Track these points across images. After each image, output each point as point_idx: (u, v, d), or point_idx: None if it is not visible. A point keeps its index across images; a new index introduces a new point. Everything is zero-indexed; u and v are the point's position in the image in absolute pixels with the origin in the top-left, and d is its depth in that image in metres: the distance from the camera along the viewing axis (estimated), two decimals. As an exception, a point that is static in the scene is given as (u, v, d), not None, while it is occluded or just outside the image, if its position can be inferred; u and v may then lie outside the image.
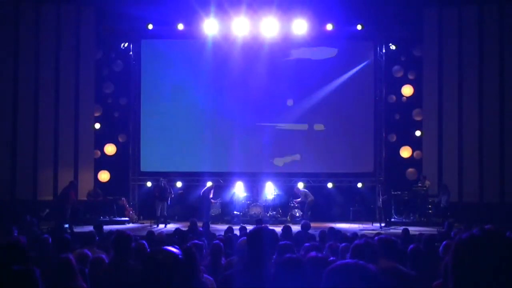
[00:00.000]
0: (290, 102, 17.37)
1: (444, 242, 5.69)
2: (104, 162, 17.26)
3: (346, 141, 17.25)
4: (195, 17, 16.21)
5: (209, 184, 16.21)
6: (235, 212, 16.45)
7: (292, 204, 16.58)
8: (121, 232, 4.56)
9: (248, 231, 4.64)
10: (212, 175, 16.73)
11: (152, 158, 17.41)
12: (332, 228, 9.29)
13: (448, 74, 16.68)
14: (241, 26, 16.46)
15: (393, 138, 17.59)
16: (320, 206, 16.43)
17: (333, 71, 17.19)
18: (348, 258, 3.72)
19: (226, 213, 16.82)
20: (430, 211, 15.93)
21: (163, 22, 16.57)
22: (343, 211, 16.73)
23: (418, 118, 17.30)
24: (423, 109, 17.05)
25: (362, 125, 17.44)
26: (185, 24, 16.56)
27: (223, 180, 17.18)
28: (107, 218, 15.53)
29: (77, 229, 13.26)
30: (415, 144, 17.29)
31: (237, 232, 9.16)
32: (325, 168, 17.19)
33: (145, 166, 17.47)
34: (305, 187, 16.74)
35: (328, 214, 16.21)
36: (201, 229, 9.65)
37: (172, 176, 16.65)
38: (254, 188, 17.18)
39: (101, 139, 17.26)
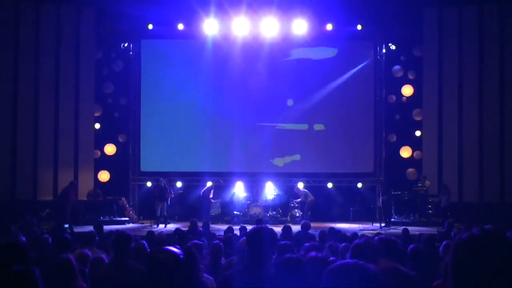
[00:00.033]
0: (290, 102, 17.37)
1: (444, 242, 5.69)
2: (104, 162, 17.26)
3: (346, 141, 17.25)
4: (195, 17, 16.21)
5: (209, 184, 16.21)
6: (235, 212, 16.45)
7: (292, 204, 16.57)
8: (121, 232, 4.56)
9: (248, 231, 4.63)
10: (212, 175, 16.73)
11: (152, 158, 17.41)
12: (332, 228, 9.29)
13: (448, 74, 16.68)
14: (241, 26, 16.46)
15: (393, 138, 17.59)
16: (320, 206, 16.42)
17: (333, 71, 17.19)
18: (348, 258, 3.72)
19: (226, 213, 16.82)
20: (430, 211, 15.93)
21: (163, 22, 16.57)
22: (343, 211, 16.73)
23: (418, 118, 17.30)
24: (423, 109, 17.05)
25: (362, 125, 17.43)
26: (185, 24, 16.56)
27: (223, 180, 17.18)
28: (107, 218, 15.53)
29: (77, 229, 13.26)
30: (415, 144, 17.29)
31: (237, 232, 9.17)
32: (325, 168, 17.19)
33: (145, 166, 17.47)
34: (305, 187, 16.74)
35: (328, 214, 16.20)
36: (201, 229, 9.66)
37: (172, 176, 16.65)
38: (254, 188, 17.18)
39: (101, 139, 17.25)
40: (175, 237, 7.98)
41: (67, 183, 14.97)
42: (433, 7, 16.81)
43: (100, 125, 17.27)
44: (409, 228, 10.42)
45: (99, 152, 17.20)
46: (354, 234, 9.21)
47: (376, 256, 3.50)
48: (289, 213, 16.43)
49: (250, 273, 3.20)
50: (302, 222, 10.29)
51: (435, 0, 16.78)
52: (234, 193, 16.89)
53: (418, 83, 17.21)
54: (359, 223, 15.55)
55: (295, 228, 10.13)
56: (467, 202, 15.98)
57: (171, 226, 14.41)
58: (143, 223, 16.12)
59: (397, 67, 17.49)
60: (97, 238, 6.82)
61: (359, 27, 16.60)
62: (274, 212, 16.48)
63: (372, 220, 15.83)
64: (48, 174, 16.27)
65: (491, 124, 16.21)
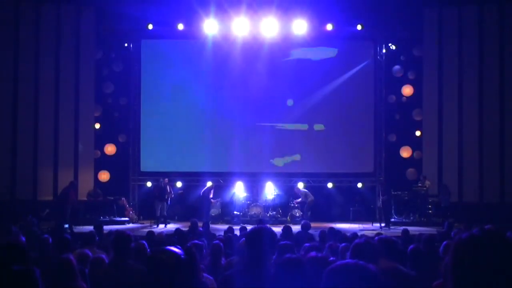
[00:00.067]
0: (290, 102, 17.37)
1: (444, 242, 5.70)
2: (104, 162, 17.26)
3: (346, 141, 17.25)
4: (195, 17, 16.21)
5: (209, 184, 16.22)
6: (235, 212, 16.45)
7: (292, 204, 16.57)
8: (121, 232, 4.56)
9: (247, 231, 4.63)
10: (212, 175, 16.73)
11: (152, 158, 17.41)
12: (332, 228, 9.30)
13: (448, 74, 16.68)
14: (241, 26, 16.46)
15: (393, 138, 17.59)
16: (320, 206, 16.42)
17: (333, 71, 17.19)
18: (348, 258, 3.72)
19: (226, 213, 16.82)
20: (430, 211, 15.93)
21: (163, 22, 16.57)
22: (343, 211, 16.72)
23: (418, 118, 17.30)
24: (423, 109, 17.05)
25: (362, 125, 17.43)
26: (185, 24, 16.57)
27: (223, 180, 17.18)
28: (107, 218, 15.53)
29: (77, 229, 13.29)
30: (415, 144, 17.29)
31: (237, 232, 9.17)
32: (325, 168, 17.19)
33: (145, 166, 17.47)
34: (305, 187, 16.73)
35: (328, 214, 16.19)
36: (201, 229, 9.66)
37: (172, 176, 16.64)
38: (254, 188, 17.18)
39: (101, 139, 17.26)
40: (175, 237, 7.98)
41: (67, 183, 14.95)
42: (433, 7, 16.81)
43: (100, 125, 17.27)
44: (409, 228, 10.43)
45: (99, 152, 17.20)
46: (354, 234, 9.20)
47: (376, 256, 3.50)
48: (289, 213, 16.43)
49: (250, 273, 3.20)
50: (302, 222, 10.29)
51: (435, 0, 16.78)
52: (234, 193, 16.89)
53: (418, 83, 17.21)
54: (359, 223, 15.55)
55: (295, 228, 10.13)
56: (467, 202, 15.97)
57: (171, 226, 14.42)
58: (143, 223, 16.12)
59: (397, 67, 17.49)
60: (97, 238, 6.82)
61: (359, 27, 16.60)
62: (274, 212, 16.48)
63: (372, 220, 15.84)
64: (48, 174, 16.27)
65: (491, 124, 16.20)
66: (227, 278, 3.53)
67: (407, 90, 17.42)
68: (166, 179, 15.91)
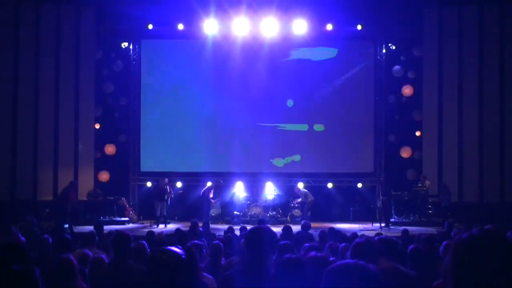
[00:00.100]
0: (290, 102, 17.36)
1: (444, 242, 5.70)
2: (104, 162, 17.26)
3: (346, 141, 17.25)
4: (195, 17, 16.21)
5: (209, 184, 16.21)
6: (235, 212, 16.46)
7: (292, 205, 16.58)
8: (120, 232, 4.56)
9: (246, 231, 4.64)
10: (212, 175, 16.74)
11: (152, 158, 17.41)
12: (332, 228, 9.30)
13: (448, 74, 16.68)
14: (241, 26, 16.45)
15: (393, 138, 17.58)
16: (320, 206, 16.41)
17: (333, 71, 17.19)
18: (348, 257, 3.72)
19: (226, 213, 16.82)
20: (430, 211, 15.93)
21: (163, 22, 16.56)
22: (343, 211, 16.72)
23: (418, 118, 17.29)
24: (423, 109, 17.04)
25: (362, 125, 17.44)
26: (185, 24, 16.56)
27: (223, 180, 17.18)
28: (107, 218, 15.53)
29: (77, 229, 13.30)
30: (415, 144, 17.28)
31: (237, 232, 9.17)
32: (325, 168, 17.20)
33: (145, 166, 17.47)
34: (305, 187, 16.73)
35: (328, 214, 16.19)
36: (201, 229, 9.66)
37: (172, 176, 16.64)
38: (254, 188, 17.18)
39: (101, 139, 17.25)
40: (175, 237, 7.98)
41: (67, 183, 14.94)
42: (433, 7, 16.81)
43: (100, 125, 17.27)
44: (409, 228, 10.45)
45: (99, 154, 17.20)
46: (354, 234, 9.19)
47: (376, 256, 3.50)
48: (289, 213, 16.44)
49: (250, 273, 3.20)
50: (302, 222, 10.29)
51: (435, 0, 16.77)
52: (234, 193, 16.89)
53: (418, 83, 17.20)
54: (359, 223, 15.55)
55: (295, 228, 10.13)
56: (467, 202, 15.97)
57: (171, 226, 14.42)
58: (143, 223, 16.12)
59: (397, 67, 17.49)
60: (97, 238, 6.82)
61: (359, 27, 16.60)
62: (274, 212, 16.48)
63: (372, 220, 15.84)
64: (48, 174, 16.27)
65: (491, 124, 16.20)
66: (227, 278, 3.53)
67: (407, 90, 17.41)
68: (166, 179, 15.92)
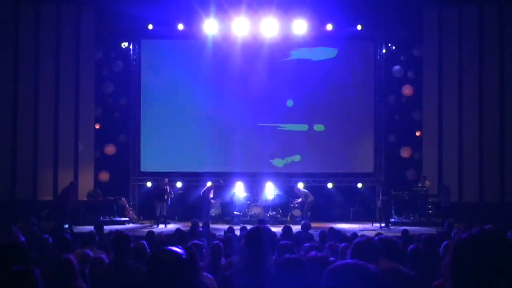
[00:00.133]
0: (290, 103, 17.36)
1: (444, 242, 5.70)
2: (104, 162, 17.26)
3: (346, 141, 17.26)
4: (195, 17, 16.21)
5: (209, 184, 16.21)
6: (235, 212, 16.45)
7: (292, 205, 16.58)
8: (120, 233, 4.57)
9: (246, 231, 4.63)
10: (212, 175, 16.73)
11: (152, 158, 17.41)
12: (332, 228, 9.30)
13: (448, 74, 16.68)
14: (241, 26, 16.45)
15: (393, 138, 17.58)
16: (320, 206, 16.41)
17: (333, 71, 17.18)
18: (348, 257, 3.73)
19: (226, 213, 16.81)
20: (430, 211, 15.93)
21: (163, 22, 16.57)
22: (343, 211, 16.72)
23: (418, 118, 17.29)
24: (423, 109, 17.05)
25: (362, 125, 17.44)
26: (185, 24, 16.56)
27: (223, 180, 17.18)
28: (107, 218, 15.52)
29: (77, 229, 13.30)
30: (415, 144, 17.28)
31: (237, 233, 9.17)
32: (325, 168, 17.20)
33: (145, 166, 17.47)
34: (305, 187, 16.73)
35: (328, 214, 16.20)
36: (201, 229, 9.66)
37: (172, 176, 16.65)
38: (254, 188, 17.18)
39: (101, 139, 17.25)
40: (175, 237, 7.97)
41: (67, 183, 14.94)
42: (433, 7, 16.81)
43: (100, 125, 17.27)
44: (409, 228, 10.45)
45: (99, 152, 17.20)
46: (354, 234, 9.19)
47: (376, 256, 3.50)
48: (289, 213, 16.43)
49: (250, 273, 3.20)
50: (302, 222, 10.29)
51: (435, 0, 16.78)
52: (234, 193, 16.89)
53: (418, 83, 17.20)
54: (359, 223, 15.55)
55: (295, 228, 10.12)
56: (467, 202, 15.97)
57: (171, 226, 14.42)
58: (143, 223, 16.11)
59: (397, 67, 17.49)
60: (97, 238, 6.82)
61: (359, 27, 16.60)
62: (274, 212, 16.48)
63: (372, 220, 15.84)
64: (48, 174, 16.27)
65: (491, 124, 16.20)
66: (227, 278, 3.53)
67: (407, 90, 17.41)
68: (166, 179, 15.92)
